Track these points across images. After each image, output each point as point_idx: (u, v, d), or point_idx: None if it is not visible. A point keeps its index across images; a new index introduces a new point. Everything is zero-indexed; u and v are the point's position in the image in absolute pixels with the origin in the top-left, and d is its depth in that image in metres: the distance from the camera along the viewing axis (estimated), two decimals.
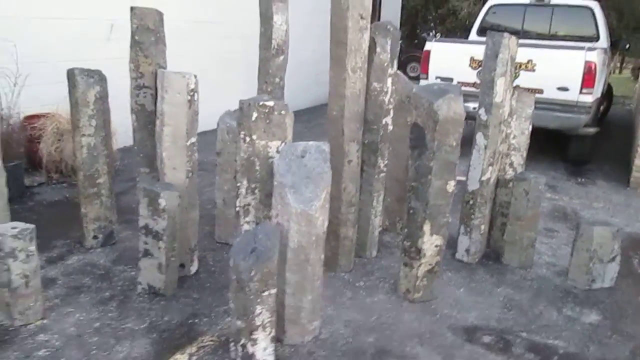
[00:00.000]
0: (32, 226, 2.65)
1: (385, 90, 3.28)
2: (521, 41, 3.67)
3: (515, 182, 3.51)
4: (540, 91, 5.61)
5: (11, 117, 4.36)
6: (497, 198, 3.68)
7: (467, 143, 3.44)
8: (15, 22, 4.64)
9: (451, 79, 6.02)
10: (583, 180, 5.85)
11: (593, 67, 5.48)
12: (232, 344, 2.44)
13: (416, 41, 16.47)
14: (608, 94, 8.20)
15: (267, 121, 2.56)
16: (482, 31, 7.40)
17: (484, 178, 3.46)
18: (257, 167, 2.60)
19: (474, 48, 6.06)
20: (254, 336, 2.32)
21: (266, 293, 2.29)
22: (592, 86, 5.53)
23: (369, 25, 3.10)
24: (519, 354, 2.64)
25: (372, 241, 3.57)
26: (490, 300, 3.14)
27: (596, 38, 6.87)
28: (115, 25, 5.40)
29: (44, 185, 4.59)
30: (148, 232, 2.88)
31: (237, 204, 2.81)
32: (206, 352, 2.52)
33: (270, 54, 3.57)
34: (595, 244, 3.27)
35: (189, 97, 2.95)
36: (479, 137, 3.44)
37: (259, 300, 2.27)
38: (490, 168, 3.47)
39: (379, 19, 10.80)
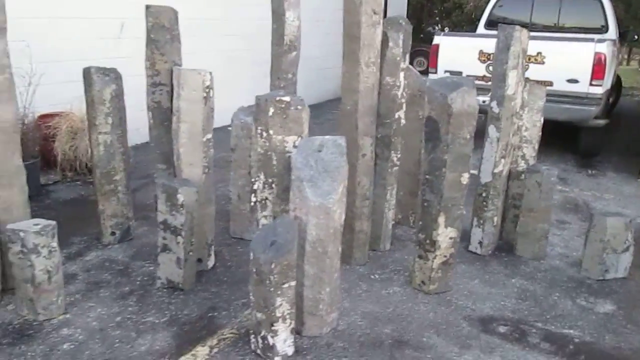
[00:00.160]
0: (54, 222, 2.70)
1: (398, 84, 3.30)
2: (530, 34, 3.68)
3: (528, 174, 3.54)
4: (550, 83, 5.61)
5: (26, 117, 4.42)
6: (509, 190, 3.70)
7: (476, 136, 3.45)
8: (28, 22, 4.69)
9: (460, 73, 6.03)
10: (593, 172, 5.85)
11: (603, 58, 5.47)
12: (252, 335, 2.49)
13: (421, 35, 16.43)
14: (617, 86, 8.18)
15: (284, 116, 2.59)
16: (490, 24, 7.39)
17: (496, 170, 3.49)
18: (274, 162, 2.64)
19: (483, 41, 6.07)
20: (274, 328, 2.37)
21: (286, 285, 2.33)
22: (602, 78, 5.53)
23: (381, 20, 3.12)
24: (535, 344, 2.67)
25: (386, 234, 3.60)
26: (504, 291, 3.17)
27: (605, 29, 6.85)
28: (125, 24, 5.44)
29: (58, 183, 4.65)
30: (166, 227, 2.92)
31: (253, 199, 2.85)
32: (227, 345, 2.56)
33: (283, 50, 3.60)
34: (608, 234, 3.28)
35: (205, 94, 2.99)
36: (491, 130, 3.46)
37: (279, 292, 2.31)
38: (502, 160, 3.49)
39: (385, 14, 10.79)
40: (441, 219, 2.97)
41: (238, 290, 3.03)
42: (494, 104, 3.42)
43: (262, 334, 2.41)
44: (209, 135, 3.10)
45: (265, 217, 2.75)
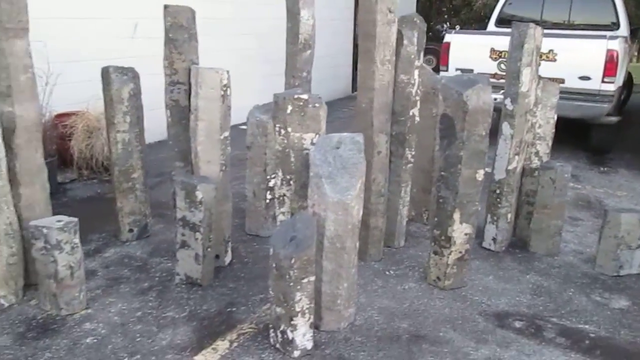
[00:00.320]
0: (76, 219, 2.76)
1: (412, 82, 3.33)
2: None
3: (542, 170, 3.55)
4: (562, 81, 5.60)
5: (43, 116, 4.48)
6: (523, 187, 3.72)
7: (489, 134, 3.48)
8: (44, 22, 4.75)
9: (471, 71, 6.04)
10: (605, 169, 5.85)
11: (615, 55, 5.47)
12: (271, 330, 2.52)
13: (430, 33, 16.40)
14: (628, 83, 8.14)
15: (302, 114, 2.63)
16: (500, 22, 7.38)
17: (510, 167, 3.51)
18: (292, 159, 2.68)
19: (494, 39, 6.08)
20: (293, 322, 2.40)
21: (305, 280, 2.36)
22: (614, 75, 5.52)
23: (396, 19, 3.15)
24: (550, 339, 2.69)
25: (400, 231, 3.63)
26: (519, 287, 3.19)
27: (616, 26, 6.82)
28: (138, 24, 5.50)
29: (75, 181, 4.71)
30: (185, 224, 2.97)
31: (269, 196, 2.88)
32: (246, 339, 2.60)
33: (297, 49, 3.64)
34: (622, 230, 3.29)
35: (222, 92, 3.03)
36: (505, 127, 3.48)
37: (298, 287, 2.35)
38: (516, 157, 3.51)
39: None
40: (456, 215, 2.99)
41: (255, 286, 3.07)
42: (507, 101, 3.44)
43: (282, 328, 2.44)
44: (226, 133, 3.14)
45: (282, 213, 2.79)
